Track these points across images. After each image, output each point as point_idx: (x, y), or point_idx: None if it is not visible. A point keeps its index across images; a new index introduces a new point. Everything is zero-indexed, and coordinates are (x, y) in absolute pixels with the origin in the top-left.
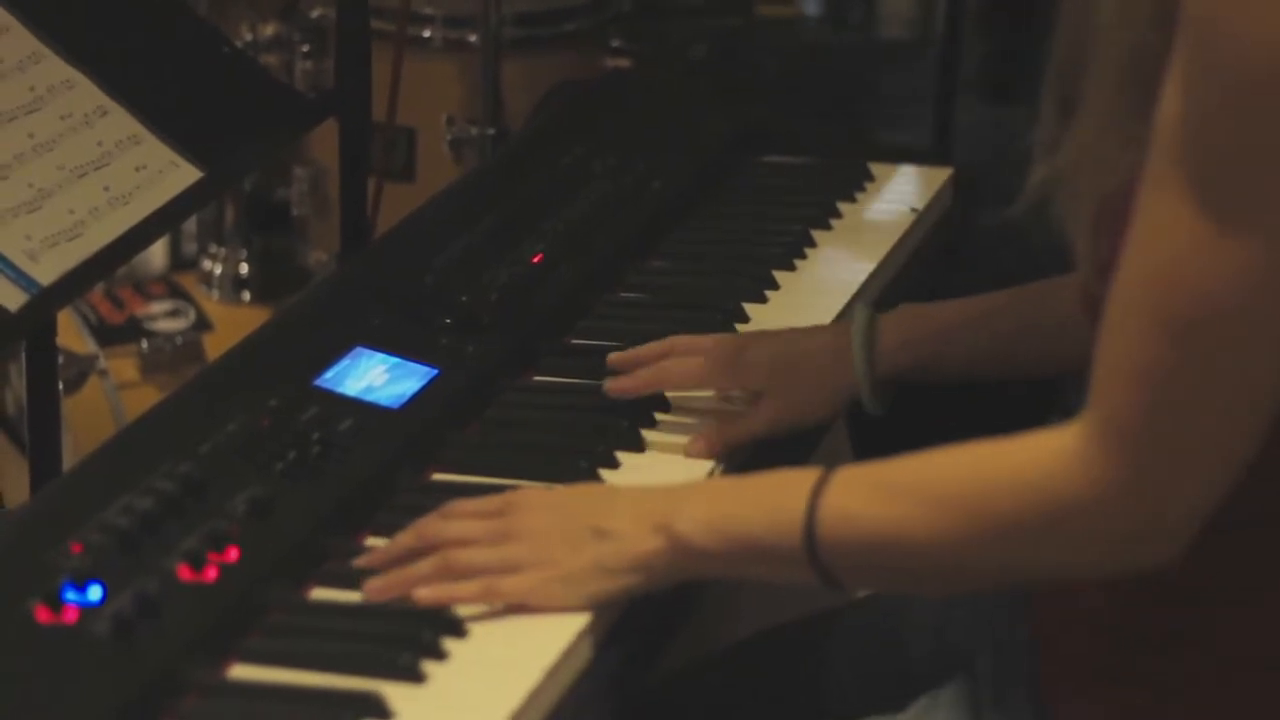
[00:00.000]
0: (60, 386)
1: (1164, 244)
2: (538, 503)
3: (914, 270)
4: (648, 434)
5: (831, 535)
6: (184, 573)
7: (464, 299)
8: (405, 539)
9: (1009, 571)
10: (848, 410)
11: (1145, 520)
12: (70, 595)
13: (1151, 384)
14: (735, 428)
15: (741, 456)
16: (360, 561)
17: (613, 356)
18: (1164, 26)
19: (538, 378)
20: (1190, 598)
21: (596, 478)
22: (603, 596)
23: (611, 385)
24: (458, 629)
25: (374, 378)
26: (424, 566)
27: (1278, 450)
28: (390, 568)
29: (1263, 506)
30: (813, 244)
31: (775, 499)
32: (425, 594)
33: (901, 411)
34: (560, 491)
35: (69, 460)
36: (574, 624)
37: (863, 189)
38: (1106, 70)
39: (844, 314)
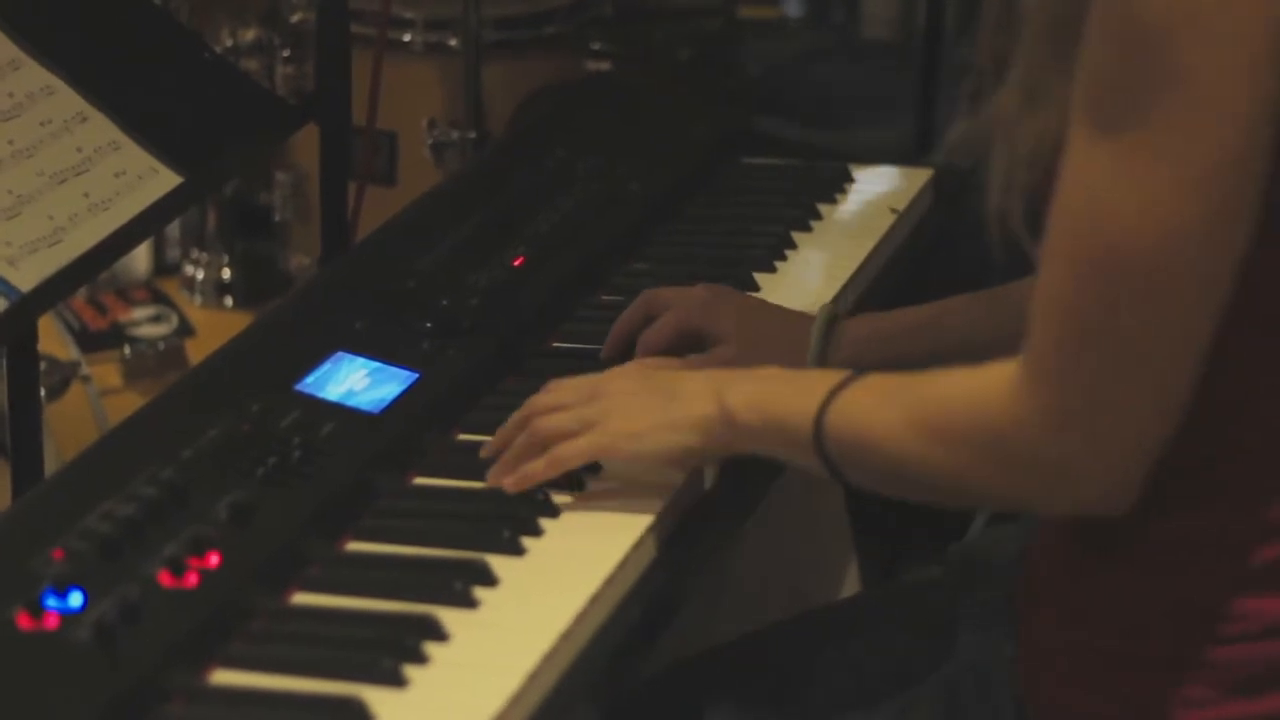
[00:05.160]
0: (42, 393)
1: (1082, 186)
2: (629, 370)
3: (894, 272)
4: None
5: (834, 428)
6: (165, 578)
7: (445, 303)
8: (515, 415)
9: (963, 490)
10: None
11: (1071, 454)
12: (51, 602)
13: (1070, 319)
14: (680, 365)
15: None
16: (484, 452)
17: (606, 349)
18: None
19: (519, 382)
20: (1167, 589)
21: (580, 484)
22: (664, 451)
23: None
24: (438, 632)
25: (355, 382)
26: (520, 440)
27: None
28: (502, 449)
29: (1224, 478)
30: (793, 246)
31: (808, 387)
32: (507, 481)
33: None
34: (648, 363)
35: (51, 467)
36: (555, 627)
37: (843, 190)
38: (1032, 28)
39: None
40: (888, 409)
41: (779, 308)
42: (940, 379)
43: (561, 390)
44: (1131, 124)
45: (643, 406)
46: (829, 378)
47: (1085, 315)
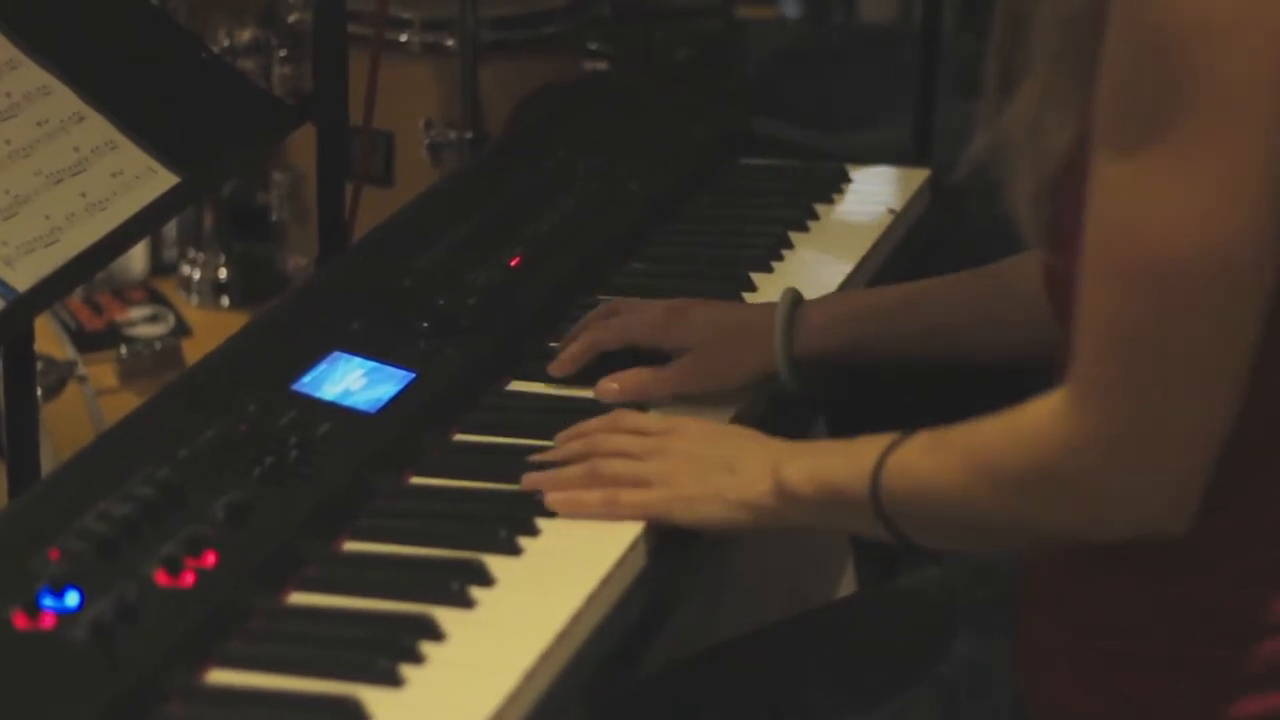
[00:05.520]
0: (39, 393)
1: (1115, 201)
2: (694, 430)
3: (891, 272)
4: None
5: (891, 487)
6: (162, 578)
7: (442, 302)
8: (574, 445)
9: (1021, 528)
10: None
11: (1126, 475)
12: (47, 601)
13: (1114, 335)
14: (650, 376)
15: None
16: (534, 458)
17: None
18: None
19: (516, 381)
20: (1168, 589)
21: None
22: (715, 521)
23: (556, 368)
24: (435, 632)
25: (351, 382)
26: (576, 470)
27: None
28: (553, 467)
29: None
30: (790, 246)
31: (862, 453)
32: (556, 498)
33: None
34: (715, 425)
35: (48, 467)
36: (551, 627)
37: (840, 191)
38: (1044, 41)
39: None
40: (939, 456)
41: (739, 305)
42: (988, 421)
43: (625, 439)
44: (1160, 134)
45: (701, 473)
46: (881, 440)
47: (1129, 329)
